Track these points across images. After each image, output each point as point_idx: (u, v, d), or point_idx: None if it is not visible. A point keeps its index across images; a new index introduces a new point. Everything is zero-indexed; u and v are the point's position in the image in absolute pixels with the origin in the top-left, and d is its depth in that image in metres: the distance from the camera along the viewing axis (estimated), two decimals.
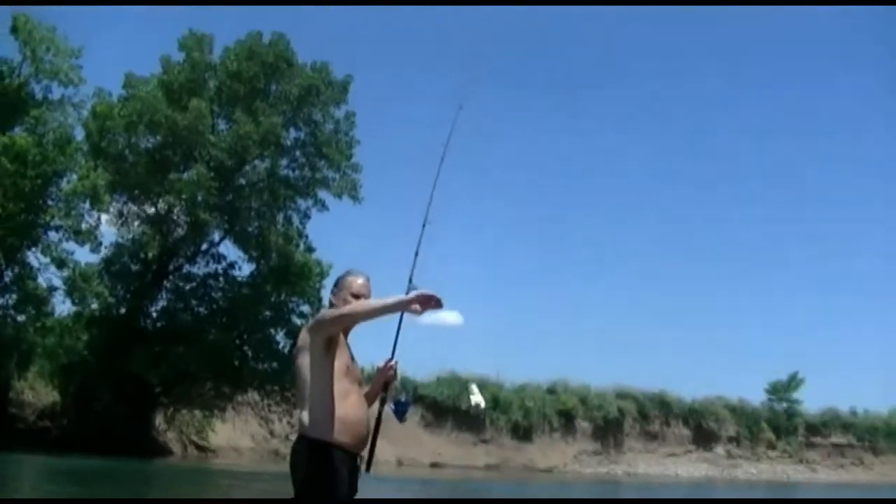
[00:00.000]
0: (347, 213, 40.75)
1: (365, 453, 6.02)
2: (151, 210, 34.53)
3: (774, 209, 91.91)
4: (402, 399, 6.68)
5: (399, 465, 40.78)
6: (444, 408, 47.86)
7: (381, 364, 6.30)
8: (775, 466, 57.54)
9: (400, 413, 6.47)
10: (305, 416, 5.66)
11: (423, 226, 6.71)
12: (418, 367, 47.12)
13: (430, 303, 5.63)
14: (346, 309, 5.80)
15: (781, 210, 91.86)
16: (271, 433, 36.51)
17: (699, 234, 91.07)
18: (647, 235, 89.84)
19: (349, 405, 5.73)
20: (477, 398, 6.56)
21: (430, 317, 5.80)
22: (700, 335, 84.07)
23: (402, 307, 5.72)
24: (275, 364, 34.40)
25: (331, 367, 5.71)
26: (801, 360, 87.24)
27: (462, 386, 48.61)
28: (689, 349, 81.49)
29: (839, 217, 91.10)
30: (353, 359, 5.95)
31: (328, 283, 30.86)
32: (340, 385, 5.72)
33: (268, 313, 35.36)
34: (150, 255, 34.43)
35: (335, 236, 55.70)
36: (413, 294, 5.66)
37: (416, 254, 6.52)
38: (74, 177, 30.65)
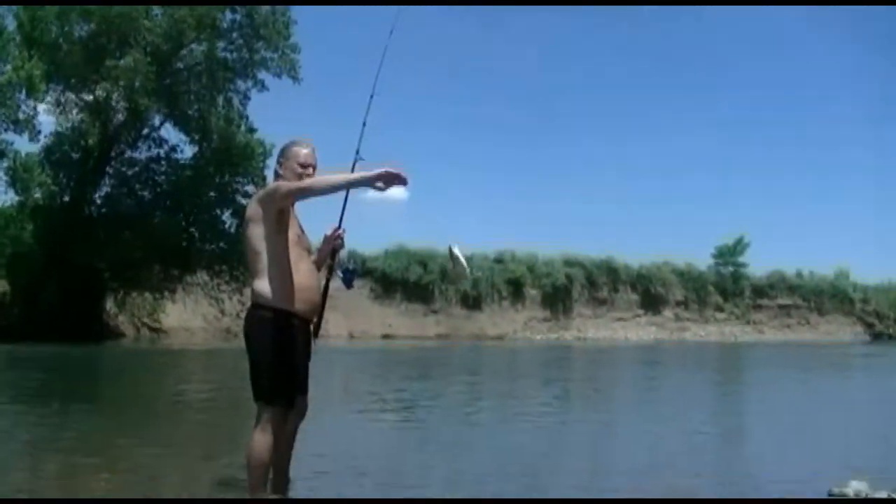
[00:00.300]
0: (288, 92, 41.43)
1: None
2: (89, 98, 34.79)
3: (724, 74, 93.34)
4: (350, 267, 6.91)
5: (351, 337, 42.30)
6: (393, 280, 49.48)
7: (328, 233, 6.50)
8: (723, 328, 59.92)
9: (348, 280, 6.69)
10: (264, 285, 5.74)
11: (371, 97, 6.84)
12: (366, 241, 48.58)
13: (395, 180, 5.63)
14: (305, 183, 5.84)
15: (730, 76, 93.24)
16: (222, 312, 37.38)
17: (647, 101, 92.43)
18: (596, 105, 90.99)
19: (302, 274, 5.84)
20: (462, 262, 6.93)
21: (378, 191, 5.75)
22: (646, 201, 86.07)
23: (365, 183, 5.77)
24: (222, 244, 35.59)
25: (285, 238, 5.80)
26: (748, 224, 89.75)
27: (411, 258, 50.28)
28: (635, 216, 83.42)
29: (789, 83, 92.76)
30: (302, 229, 6.09)
31: (271, 162, 31.74)
32: (292, 254, 5.82)
33: (212, 194, 36.26)
34: (90, 142, 34.92)
35: (277, 116, 56.34)
36: (378, 171, 5.61)
37: (364, 124, 6.69)
38: (9, 67, 30.80)
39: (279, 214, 5.81)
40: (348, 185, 5.98)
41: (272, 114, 58.28)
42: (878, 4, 64.40)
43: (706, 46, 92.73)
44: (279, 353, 5.77)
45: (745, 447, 10.15)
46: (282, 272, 5.76)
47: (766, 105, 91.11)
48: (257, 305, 5.82)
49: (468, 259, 6.65)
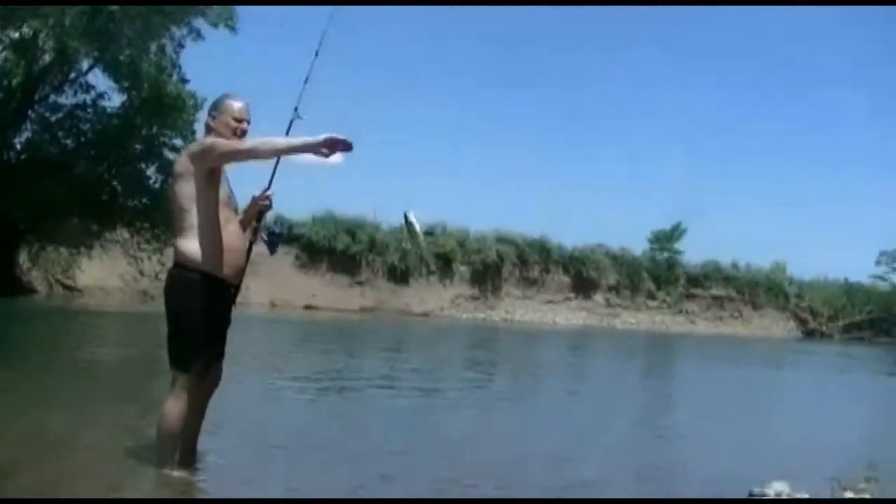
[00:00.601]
0: (224, 43, 41.01)
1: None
2: (15, 35, 33.33)
3: (654, 56, 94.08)
4: (276, 230, 7.42)
5: (272, 306, 42.16)
6: (318, 248, 48.87)
7: (256, 193, 6.40)
8: (654, 317, 60.24)
9: (273, 244, 6.78)
10: (191, 246, 5.73)
11: (316, 54, 6.73)
12: (293, 205, 48.20)
13: (339, 146, 5.64)
14: (246, 145, 5.82)
15: (662, 58, 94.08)
16: (141, 273, 36.83)
17: (582, 86, 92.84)
18: (534, 87, 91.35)
19: (230, 235, 5.86)
20: (415, 228, 6.64)
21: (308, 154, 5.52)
22: (582, 182, 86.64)
23: (308, 149, 5.71)
24: (145, 200, 34.92)
25: (216, 196, 5.80)
26: (685, 211, 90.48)
27: (338, 227, 50.02)
28: (570, 196, 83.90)
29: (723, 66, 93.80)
30: (230, 188, 6.07)
31: (202, 116, 31.54)
32: (221, 215, 5.83)
33: (138, 147, 35.59)
34: (13, 83, 34.06)
35: (211, 68, 55.61)
36: (322, 137, 5.59)
37: (306, 80, 6.56)
38: None
39: (210, 172, 5.79)
40: (292, 150, 5.90)
41: (205, 65, 57.67)
42: (877, 4, 65.14)
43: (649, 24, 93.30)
44: (204, 320, 5.80)
45: (670, 442, 10.35)
46: (211, 233, 5.76)
47: (705, 94, 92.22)
48: (182, 266, 5.82)
49: (424, 228, 6.66)
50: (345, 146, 5.64)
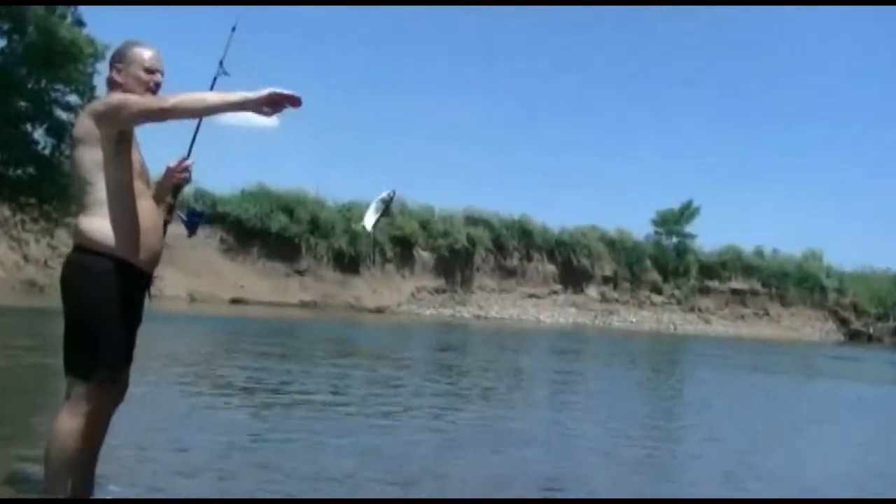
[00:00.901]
0: None
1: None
2: None
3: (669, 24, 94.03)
4: (198, 209, 7.14)
5: (192, 300, 41.75)
6: (248, 230, 48.73)
7: (172, 163, 6.27)
8: (660, 315, 60.37)
9: (193, 224, 6.61)
10: (99, 226, 5.58)
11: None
12: (217, 177, 48.02)
13: (285, 102, 5.47)
14: (170, 101, 5.58)
15: (678, 27, 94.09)
16: (25, 258, 36.63)
17: (580, 47, 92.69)
18: (518, 44, 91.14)
19: (144, 211, 5.73)
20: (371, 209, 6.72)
21: (237, 116, 6.01)
22: (571, 150, 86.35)
23: (247, 107, 5.54)
24: (31, 170, 34.59)
25: (128, 166, 5.65)
26: (698, 186, 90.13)
27: (273, 203, 49.77)
28: (557, 167, 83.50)
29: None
30: (142, 157, 5.88)
31: (102, 67, 31.38)
32: (134, 187, 5.69)
33: (22, 104, 35.15)
34: None
35: (114, 10, 55.28)
36: (265, 91, 5.42)
37: (234, 29, 6.54)
38: None
39: (121, 136, 5.62)
40: (227, 108, 5.70)
41: (107, 7, 57.41)
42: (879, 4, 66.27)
43: None
44: (113, 316, 5.62)
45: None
46: (122, 210, 5.62)
47: (722, 48, 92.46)
48: (86, 250, 5.63)
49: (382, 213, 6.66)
50: (292, 102, 5.47)
